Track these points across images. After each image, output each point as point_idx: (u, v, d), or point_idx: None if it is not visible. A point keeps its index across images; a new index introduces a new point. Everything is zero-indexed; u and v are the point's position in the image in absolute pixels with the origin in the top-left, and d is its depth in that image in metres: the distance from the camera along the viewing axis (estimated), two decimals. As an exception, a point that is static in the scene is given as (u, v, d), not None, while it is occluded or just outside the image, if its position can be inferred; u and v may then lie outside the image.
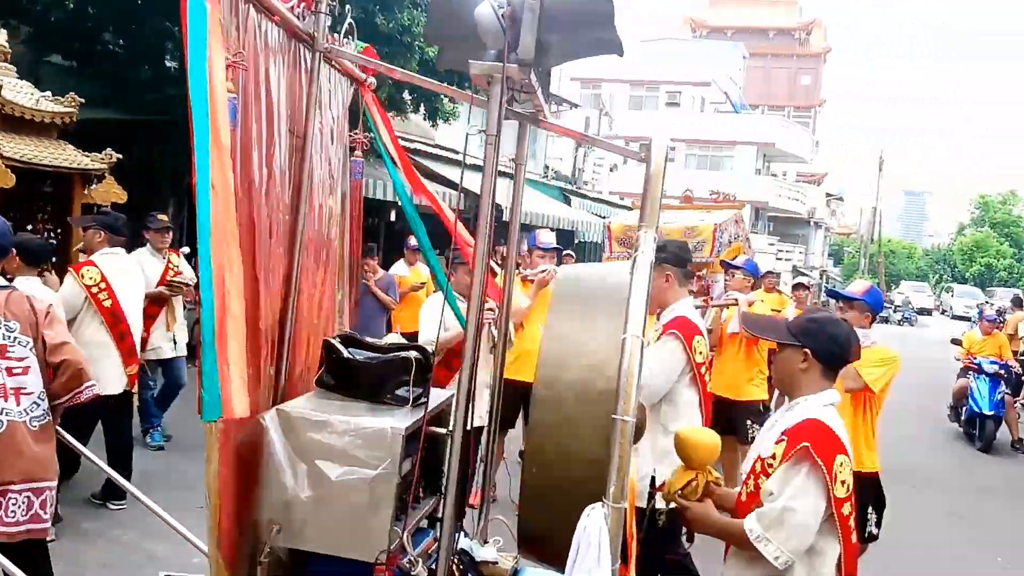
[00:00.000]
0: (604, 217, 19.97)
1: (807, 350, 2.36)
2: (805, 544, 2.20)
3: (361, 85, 3.14)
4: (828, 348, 2.36)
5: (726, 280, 6.37)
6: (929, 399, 11.28)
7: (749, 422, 6.00)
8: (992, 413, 9.39)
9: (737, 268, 6.44)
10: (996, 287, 43.85)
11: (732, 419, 6.09)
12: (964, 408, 9.94)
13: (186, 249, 6.97)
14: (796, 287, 9.55)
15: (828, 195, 54.34)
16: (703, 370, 3.42)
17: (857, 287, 4.51)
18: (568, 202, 22.91)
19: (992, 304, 21.97)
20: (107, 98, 9.10)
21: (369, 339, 2.79)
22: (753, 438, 6.01)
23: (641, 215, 2.09)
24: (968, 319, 28.34)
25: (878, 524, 4.18)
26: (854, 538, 2.29)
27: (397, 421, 2.37)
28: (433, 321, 4.03)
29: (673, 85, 39.99)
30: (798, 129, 44.01)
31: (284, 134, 2.60)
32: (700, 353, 3.40)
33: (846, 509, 2.23)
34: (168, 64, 9.43)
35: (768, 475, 2.29)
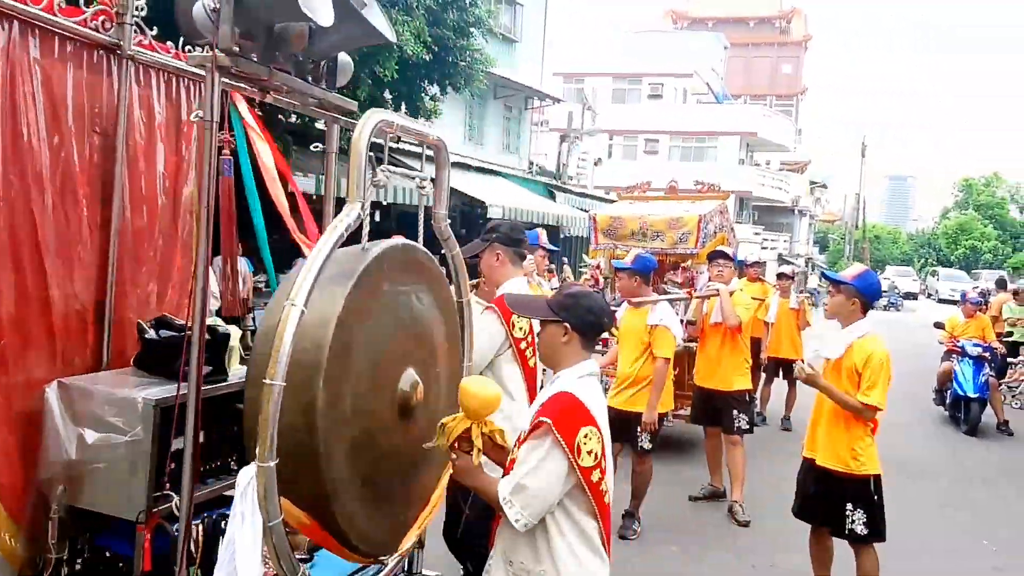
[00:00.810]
0: (589, 211, 19.98)
1: (567, 324, 2.51)
2: (542, 511, 2.35)
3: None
4: (585, 319, 2.53)
5: (719, 271, 6.25)
6: (917, 385, 11.30)
7: (735, 412, 5.99)
8: (977, 396, 9.43)
9: (726, 258, 6.36)
10: (981, 269, 44.18)
11: (718, 410, 6.09)
12: (949, 392, 9.98)
13: None
14: (779, 276, 9.57)
15: (812, 183, 54.57)
16: (523, 345, 3.55)
17: (849, 271, 4.28)
18: (553, 197, 22.89)
19: (977, 287, 22.11)
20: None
21: (180, 322, 2.98)
22: (739, 428, 6.05)
23: (348, 190, 2.25)
24: (954, 302, 28.49)
25: (867, 524, 4.01)
26: (607, 499, 2.44)
27: (156, 393, 2.58)
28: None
29: (655, 77, 40.03)
30: (780, 118, 44.14)
31: (82, 134, 2.83)
32: (520, 328, 3.55)
33: (595, 476, 2.38)
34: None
35: (522, 444, 2.43)
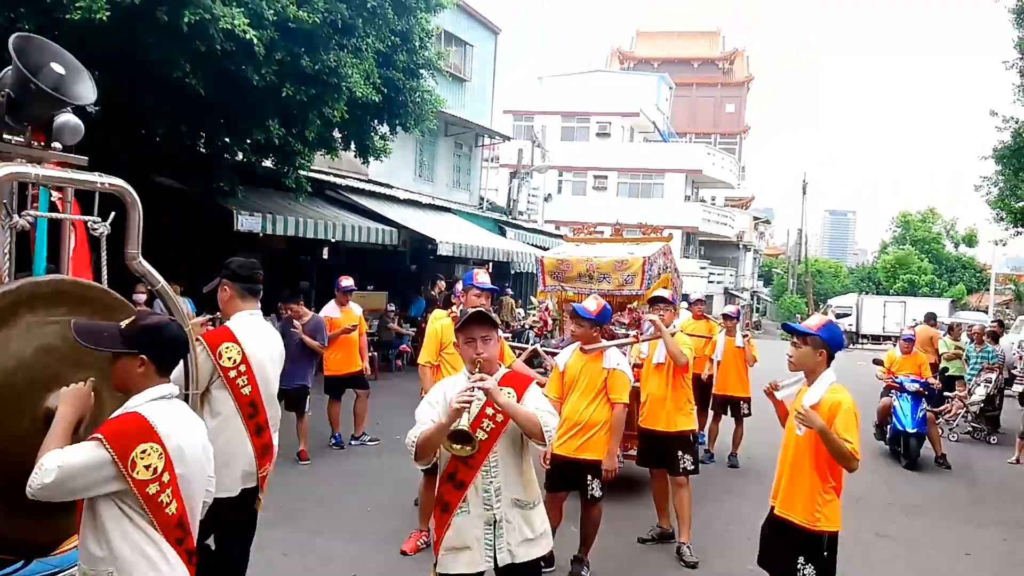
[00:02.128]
0: (542, 248, 20.09)
1: (143, 357, 2.60)
2: (58, 491, 2.41)
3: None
4: (167, 353, 2.68)
5: (660, 314, 6.29)
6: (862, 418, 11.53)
7: (680, 453, 6.03)
8: (915, 431, 9.67)
9: (666, 302, 6.43)
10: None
11: (663, 452, 6.12)
12: (889, 426, 10.22)
13: None
14: (724, 316, 9.71)
15: (756, 219, 55.84)
16: (232, 375, 3.81)
17: (813, 322, 4.13)
18: (503, 233, 23.01)
19: (915, 320, 22.78)
20: None
21: None
22: (684, 469, 6.10)
23: None
24: (892, 336, 29.24)
25: None
26: (170, 510, 2.55)
27: None
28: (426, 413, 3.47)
29: (603, 116, 40.78)
30: (724, 156, 45.27)
31: None
32: (229, 359, 3.82)
33: (151, 489, 2.50)
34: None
35: None
